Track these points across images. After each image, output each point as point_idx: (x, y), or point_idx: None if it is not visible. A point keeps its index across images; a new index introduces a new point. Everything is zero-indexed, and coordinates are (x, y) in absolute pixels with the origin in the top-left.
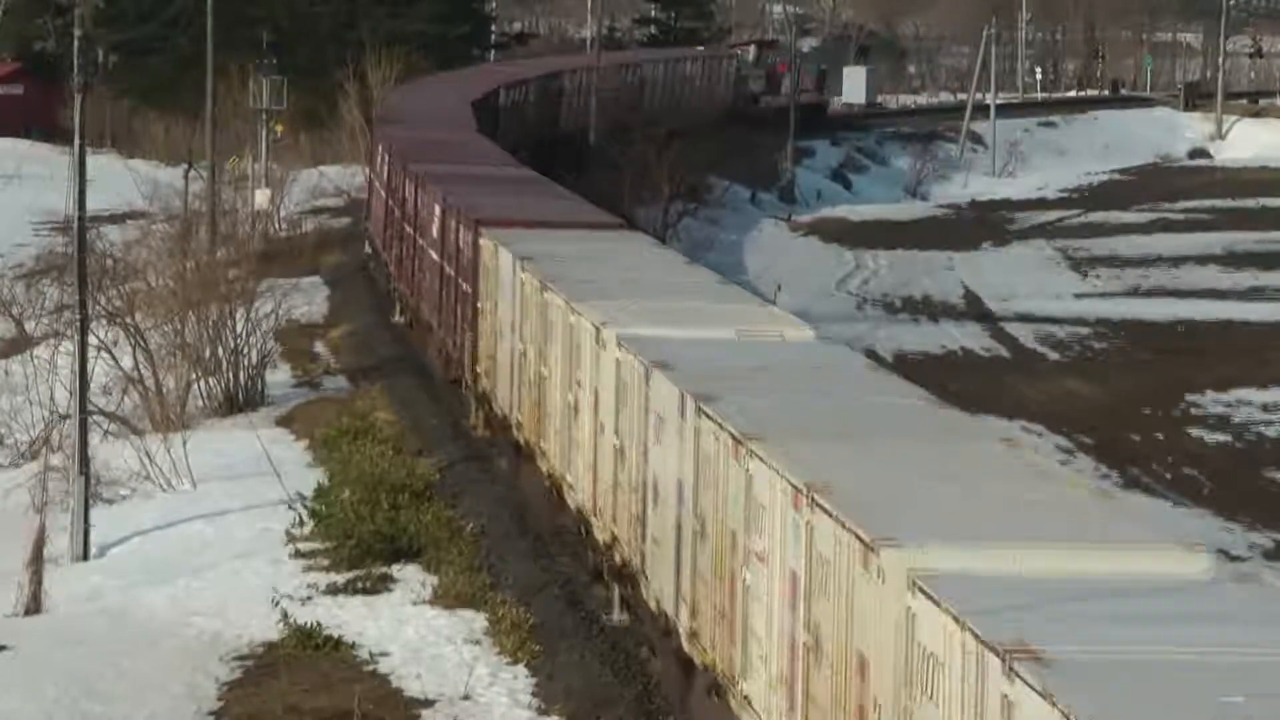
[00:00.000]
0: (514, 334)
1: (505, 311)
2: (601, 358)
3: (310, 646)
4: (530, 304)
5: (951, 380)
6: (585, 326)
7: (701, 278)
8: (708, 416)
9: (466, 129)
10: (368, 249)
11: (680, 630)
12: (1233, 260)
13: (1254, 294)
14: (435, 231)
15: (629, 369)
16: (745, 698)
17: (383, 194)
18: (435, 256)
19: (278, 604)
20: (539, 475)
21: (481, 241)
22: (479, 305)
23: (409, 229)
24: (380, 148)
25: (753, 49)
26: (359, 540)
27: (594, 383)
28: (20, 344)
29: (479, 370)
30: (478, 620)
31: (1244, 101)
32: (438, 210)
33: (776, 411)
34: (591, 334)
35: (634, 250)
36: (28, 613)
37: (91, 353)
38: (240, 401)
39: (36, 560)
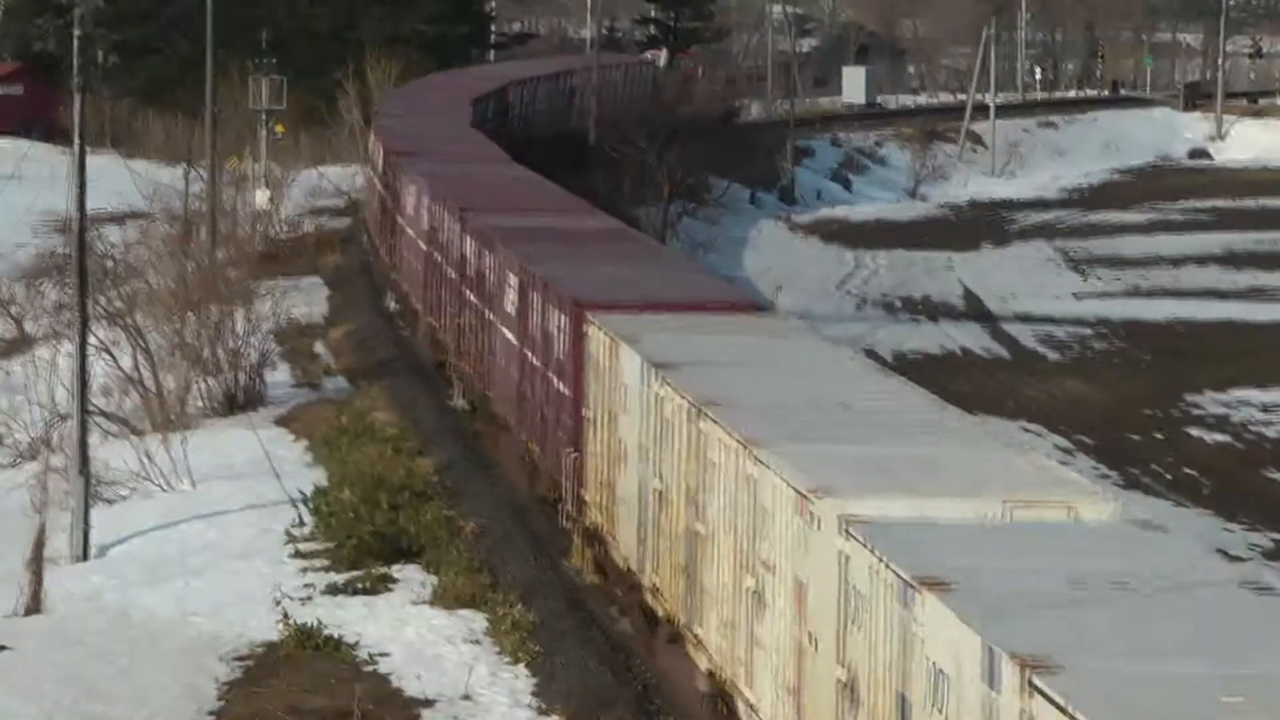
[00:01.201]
0: (645, 463)
1: (630, 430)
2: (812, 542)
3: (310, 646)
4: (675, 431)
5: (951, 380)
6: (780, 491)
7: (913, 398)
8: (1044, 696)
9: (495, 157)
10: (392, 302)
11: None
12: (1233, 260)
13: (1254, 294)
14: (512, 306)
15: (869, 573)
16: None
17: (420, 245)
18: (513, 339)
19: (278, 604)
20: (690, 667)
21: (588, 331)
22: (585, 414)
23: (471, 296)
24: (412, 187)
25: (664, 54)
26: (359, 540)
27: (796, 571)
28: (20, 344)
29: (587, 498)
30: (477, 620)
31: (1244, 102)
32: (513, 280)
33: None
34: (791, 503)
35: (798, 348)
36: (28, 613)
37: (91, 353)
38: (240, 402)
39: (36, 560)
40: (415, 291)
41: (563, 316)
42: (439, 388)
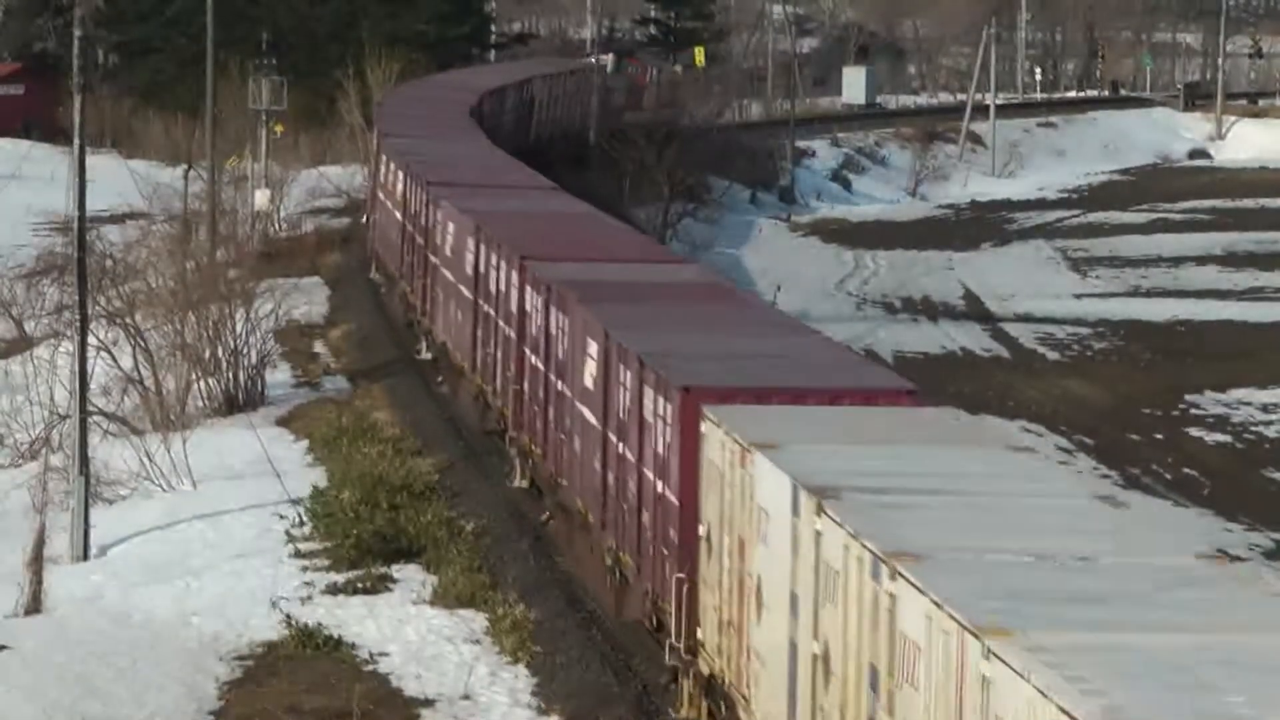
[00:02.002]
0: (796, 617)
1: (772, 567)
2: None
3: (310, 646)
4: (846, 585)
5: (951, 380)
6: (1038, 711)
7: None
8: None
9: (538, 184)
10: (425, 349)
11: None
12: (1232, 260)
13: (1253, 294)
14: (591, 380)
15: None
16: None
17: (464, 292)
18: (593, 419)
19: (278, 604)
20: None
21: (705, 429)
22: (701, 532)
23: (535, 359)
24: (452, 226)
25: (611, 57)
26: (359, 540)
27: None
28: (20, 344)
29: (703, 638)
30: (477, 620)
31: (1244, 102)
32: (593, 348)
33: None
34: None
35: (995, 463)
36: (28, 613)
37: (91, 353)
38: (240, 402)
39: (36, 560)
40: (458, 345)
41: (666, 403)
42: (491, 461)
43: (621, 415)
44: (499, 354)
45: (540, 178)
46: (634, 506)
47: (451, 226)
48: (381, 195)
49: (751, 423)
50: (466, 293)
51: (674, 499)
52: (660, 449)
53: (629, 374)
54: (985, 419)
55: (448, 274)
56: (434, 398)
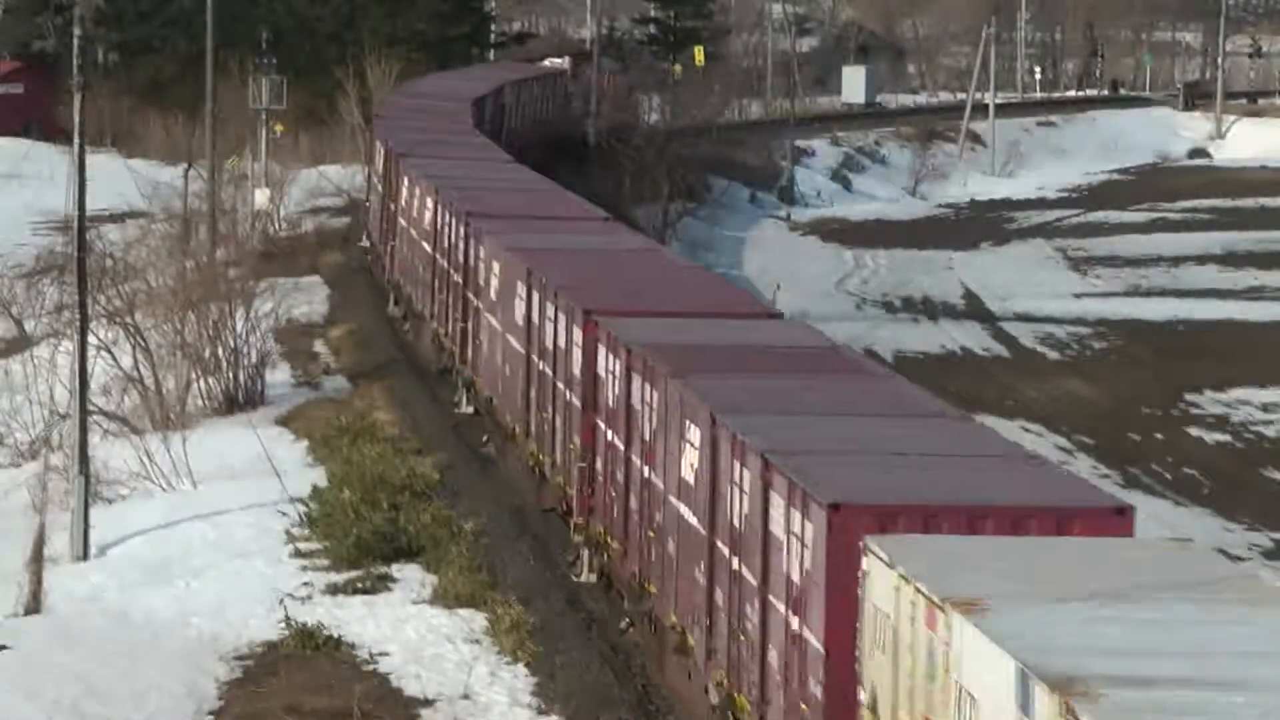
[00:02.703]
0: None
1: None
2: None
3: (310, 646)
4: None
5: (951, 380)
6: None
7: None
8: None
9: (587, 212)
10: (465, 402)
11: None
12: (1232, 260)
13: (1253, 294)
14: (691, 471)
15: None
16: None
17: (517, 347)
18: (696, 522)
19: (284, 601)
20: None
21: (867, 564)
22: (863, 699)
23: (613, 437)
24: (519, 283)
25: (567, 61)
26: (359, 540)
27: None
28: (20, 344)
29: None
30: (477, 620)
31: (1243, 101)
32: (695, 433)
33: None
34: None
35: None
36: (28, 613)
37: (91, 352)
38: (240, 401)
39: (36, 560)
40: (507, 404)
41: (805, 521)
42: (549, 543)
43: (736, 523)
44: (559, 421)
45: (590, 207)
46: (756, 641)
47: (497, 266)
48: (404, 222)
49: (934, 562)
50: (517, 345)
51: (818, 644)
52: (795, 575)
53: (747, 474)
54: (986, 419)
55: (493, 320)
56: (478, 458)
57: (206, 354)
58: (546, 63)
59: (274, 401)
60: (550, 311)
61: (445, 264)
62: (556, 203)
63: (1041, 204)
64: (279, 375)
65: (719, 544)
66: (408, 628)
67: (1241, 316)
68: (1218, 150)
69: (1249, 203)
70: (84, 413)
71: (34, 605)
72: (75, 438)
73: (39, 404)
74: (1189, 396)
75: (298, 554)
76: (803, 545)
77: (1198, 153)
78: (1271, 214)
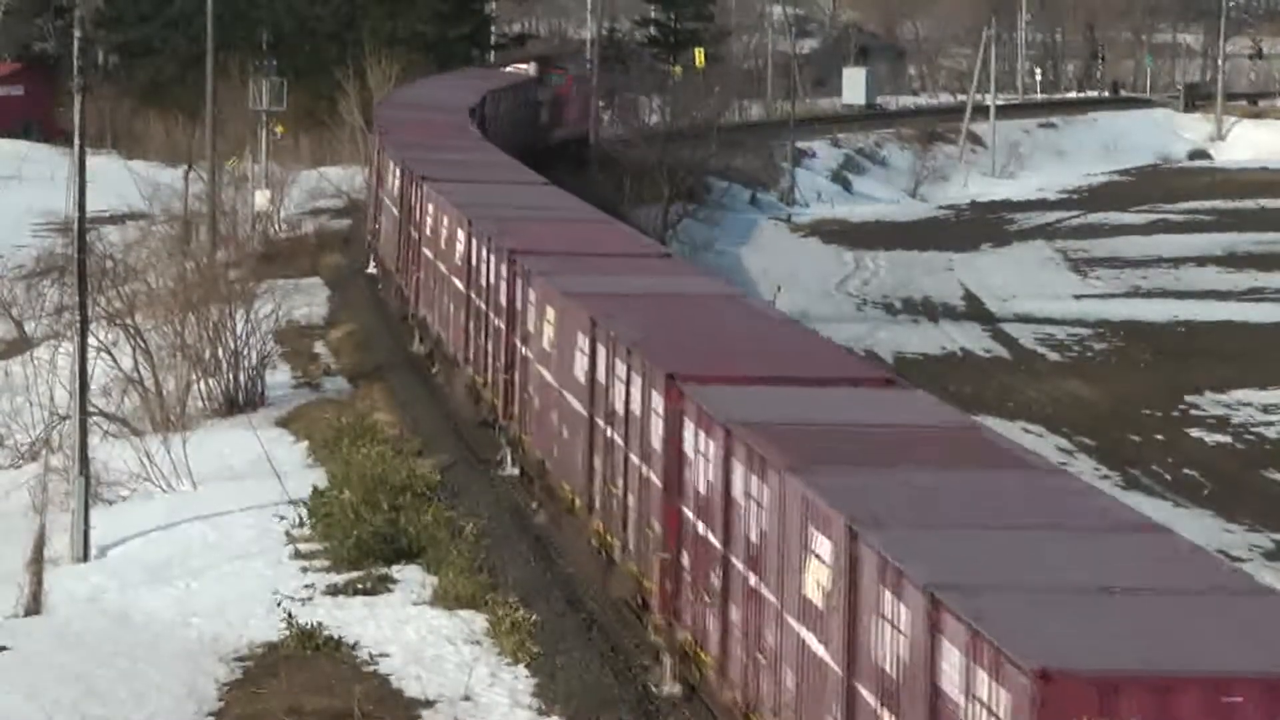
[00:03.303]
0: None
1: None
2: None
3: (310, 647)
4: None
5: (951, 381)
6: None
7: None
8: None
9: (643, 247)
10: (510, 463)
11: None
12: (1232, 261)
13: (1253, 295)
14: (820, 594)
15: None
16: None
17: (578, 406)
18: (832, 664)
19: (279, 605)
20: None
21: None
22: None
23: (713, 539)
24: (544, 306)
25: (532, 66)
26: (359, 541)
27: None
28: (20, 345)
29: None
30: (478, 621)
31: (1244, 103)
32: (824, 546)
33: None
34: None
35: None
36: (28, 613)
37: (91, 354)
38: (240, 402)
39: (36, 561)
40: (562, 469)
41: (994, 685)
42: (619, 640)
43: (888, 669)
44: (633, 500)
45: (646, 241)
46: None
47: (551, 312)
48: (429, 252)
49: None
50: (578, 405)
51: None
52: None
53: (904, 611)
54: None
55: (545, 373)
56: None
57: (207, 355)
58: (509, 69)
59: (274, 403)
60: (621, 371)
61: (483, 305)
62: (606, 235)
63: (1042, 205)
64: (279, 376)
65: (862, 691)
66: (408, 629)
67: (1242, 318)
68: (1218, 152)
69: (1249, 204)
70: (84, 414)
71: (34, 606)
72: (75, 439)
73: (39, 405)
74: (1189, 398)
75: (298, 555)
76: (992, 716)
77: (1198, 154)
78: (1272, 215)
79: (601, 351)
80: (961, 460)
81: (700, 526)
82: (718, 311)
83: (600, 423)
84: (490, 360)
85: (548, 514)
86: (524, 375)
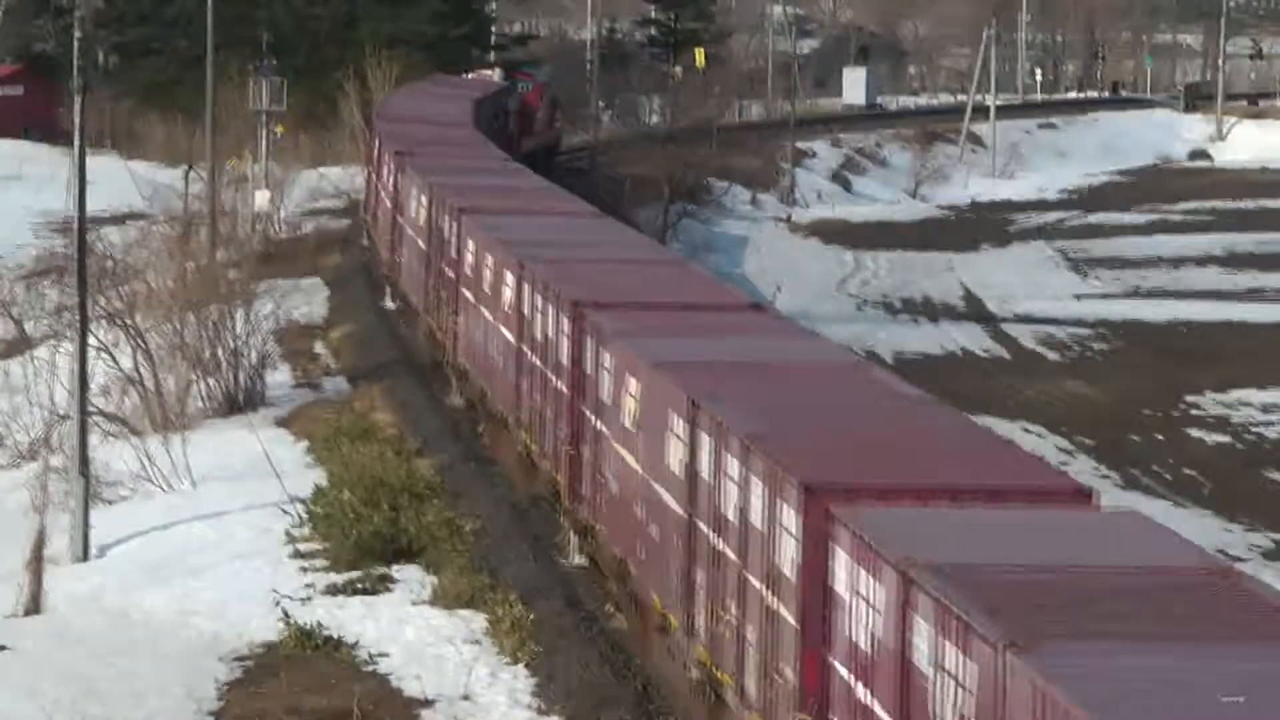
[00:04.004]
0: None
1: None
2: None
3: (310, 647)
4: None
5: (951, 381)
6: None
7: None
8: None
9: (721, 296)
10: (575, 551)
11: None
12: (1232, 261)
13: (1253, 295)
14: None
15: None
16: None
17: (672, 504)
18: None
19: (278, 604)
20: None
21: None
22: None
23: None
24: (625, 378)
25: (497, 72)
26: (358, 540)
27: None
28: (20, 345)
29: None
30: (477, 620)
31: (1244, 103)
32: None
33: None
34: None
35: None
36: (27, 613)
37: (91, 354)
38: (240, 402)
39: (36, 561)
40: (651, 578)
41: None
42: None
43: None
44: (753, 634)
45: (728, 289)
46: None
47: (633, 384)
48: (469, 293)
49: None
50: (675, 506)
51: None
52: None
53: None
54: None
55: (627, 457)
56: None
57: (206, 355)
58: (471, 75)
59: (274, 402)
60: (736, 471)
61: (539, 362)
62: (681, 280)
63: (1042, 205)
64: (279, 376)
65: None
66: (408, 628)
67: (1242, 318)
68: (1218, 152)
69: (1250, 204)
70: (84, 414)
71: (34, 606)
72: (75, 439)
73: (39, 405)
74: (1189, 398)
75: (298, 555)
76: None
77: (1198, 154)
78: (1272, 215)
79: (706, 442)
80: (1230, 626)
81: (864, 694)
82: (846, 389)
83: (717, 540)
84: (550, 428)
85: (626, 616)
86: (596, 451)
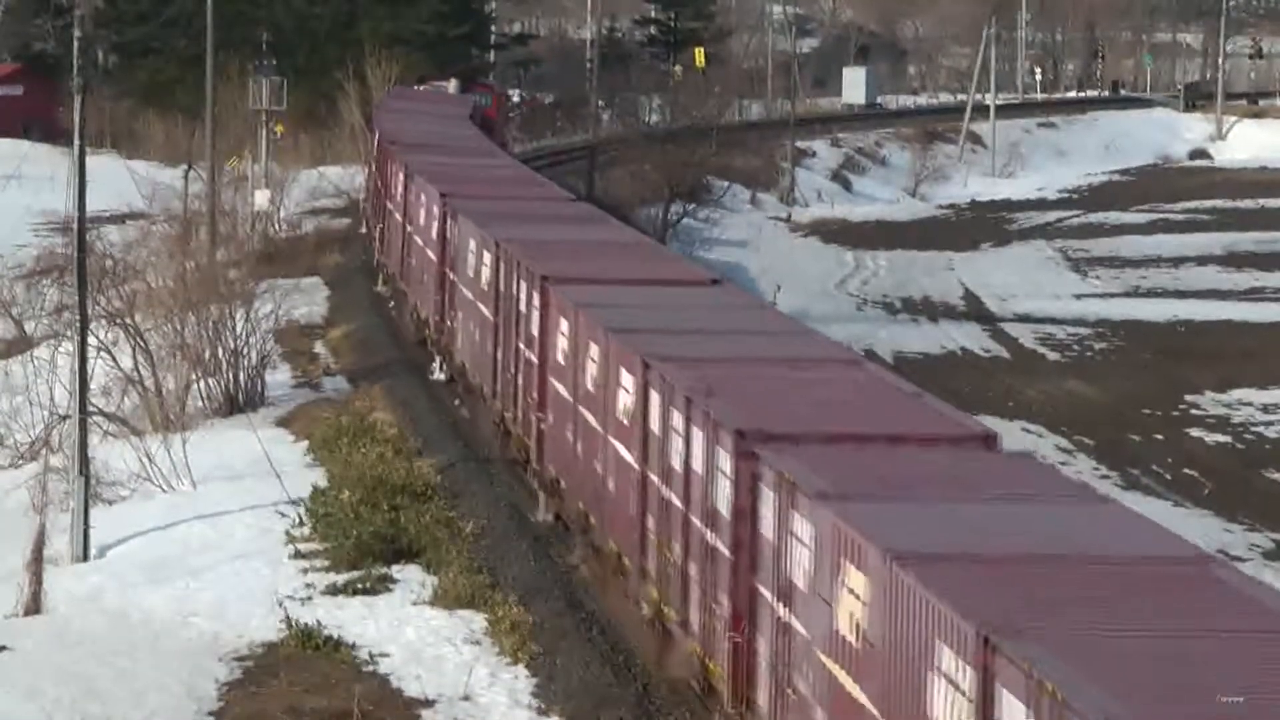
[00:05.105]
0: None
1: None
2: None
3: (310, 647)
4: None
5: (951, 380)
6: None
7: None
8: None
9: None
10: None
11: None
12: (1232, 261)
13: (1253, 294)
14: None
15: None
16: None
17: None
18: None
19: (279, 604)
20: None
21: None
22: None
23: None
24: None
25: (452, 84)
26: (359, 541)
27: None
28: (20, 344)
29: None
30: (477, 620)
31: (1244, 102)
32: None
33: None
34: None
35: None
36: (28, 613)
37: (91, 353)
38: (240, 402)
39: (36, 561)
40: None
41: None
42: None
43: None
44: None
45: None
46: None
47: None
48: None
49: None
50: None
51: None
52: None
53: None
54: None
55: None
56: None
57: (206, 355)
58: (426, 86)
59: (274, 402)
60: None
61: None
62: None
63: (1042, 205)
64: (279, 376)
65: None
66: (408, 629)
67: (1242, 317)
68: (1218, 151)
69: (1250, 204)
70: (84, 414)
71: (34, 606)
72: (75, 439)
73: (39, 405)
74: (1189, 397)
75: (298, 555)
76: None
77: (1198, 154)
78: (1272, 215)
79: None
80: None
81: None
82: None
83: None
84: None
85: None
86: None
